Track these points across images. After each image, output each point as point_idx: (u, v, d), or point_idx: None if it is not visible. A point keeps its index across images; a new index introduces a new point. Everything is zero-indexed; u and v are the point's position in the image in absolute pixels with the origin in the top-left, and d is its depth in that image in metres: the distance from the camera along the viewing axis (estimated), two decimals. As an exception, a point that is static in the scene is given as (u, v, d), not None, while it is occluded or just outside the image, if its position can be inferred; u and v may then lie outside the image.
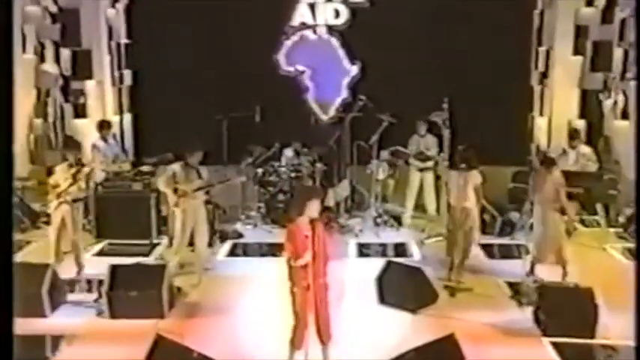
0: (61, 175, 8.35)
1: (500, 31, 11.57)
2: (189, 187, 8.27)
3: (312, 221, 5.71)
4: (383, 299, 7.74)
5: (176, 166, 8.38)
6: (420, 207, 11.11)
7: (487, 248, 9.54)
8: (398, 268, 7.95)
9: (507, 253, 9.51)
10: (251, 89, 11.79)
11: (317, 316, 5.83)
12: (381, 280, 7.87)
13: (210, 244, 9.64)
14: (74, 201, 8.37)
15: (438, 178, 10.59)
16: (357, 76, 12.31)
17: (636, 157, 8.81)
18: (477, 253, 8.97)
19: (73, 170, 8.34)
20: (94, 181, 9.48)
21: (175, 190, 8.27)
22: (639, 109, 10.22)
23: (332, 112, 12.43)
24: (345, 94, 12.38)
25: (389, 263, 8.04)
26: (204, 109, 11.71)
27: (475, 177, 8.32)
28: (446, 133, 10.17)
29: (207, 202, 9.83)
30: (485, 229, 9.71)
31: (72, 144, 8.86)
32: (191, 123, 11.81)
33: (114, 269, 7.54)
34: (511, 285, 8.21)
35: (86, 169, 8.55)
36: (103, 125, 10.65)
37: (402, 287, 7.61)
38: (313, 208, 5.73)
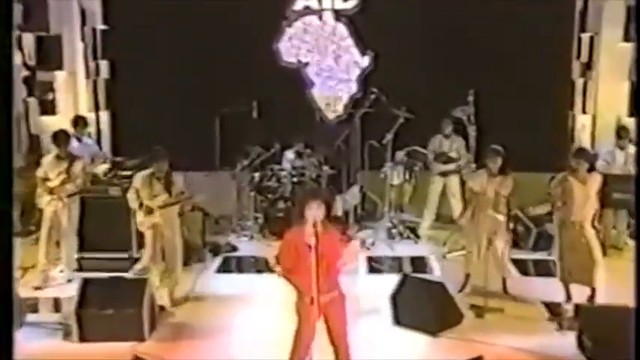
0: (50, 168, 8.81)
1: (537, 14, 11.53)
2: (153, 204, 8.27)
3: (316, 228, 5.68)
4: (398, 320, 7.72)
5: (139, 178, 8.39)
6: (441, 217, 11.08)
7: (520, 264, 9.55)
8: (416, 283, 7.92)
9: (544, 269, 9.49)
10: (247, 83, 11.83)
11: (330, 336, 5.87)
12: (395, 298, 7.83)
13: (201, 259, 9.81)
14: (69, 196, 8.76)
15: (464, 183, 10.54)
16: (369, 68, 12.29)
17: (637, 156, 8.73)
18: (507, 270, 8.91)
19: (66, 164, 8.73)
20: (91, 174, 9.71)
21: (141, 206, 8.34)
22: (638, 107, 10.14)
23: (340, 109, 12.43)
24: (354, 88, 12.38)
25: (405, 278, 8.01)
26: (193, 105, 11.76)
27: (509, 184, 8.43)
28: (471, 131, 10.15)
29: (199, 210, 9.92)
30: (517, 242, 9.72)
31: (62, 137, 9.01)
32: (178, 121, 11.87)
33: (85, 283, 7.54)
34: (548, 306, 8.22)
35: (80, 163, 8.91)
36: (78, 122, 10.70)
37: (421, 306, 7.58)
38: (315, 213, 5.70)
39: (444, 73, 11.77)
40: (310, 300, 5.70)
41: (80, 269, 9.24)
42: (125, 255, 9.54)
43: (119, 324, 7.27)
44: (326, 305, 5.77)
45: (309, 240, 5.64)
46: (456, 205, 10.84)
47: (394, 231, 10.67)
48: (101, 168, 10.47)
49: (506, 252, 8.63)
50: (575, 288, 8.16)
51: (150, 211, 8.26)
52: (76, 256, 9.33)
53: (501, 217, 8.36)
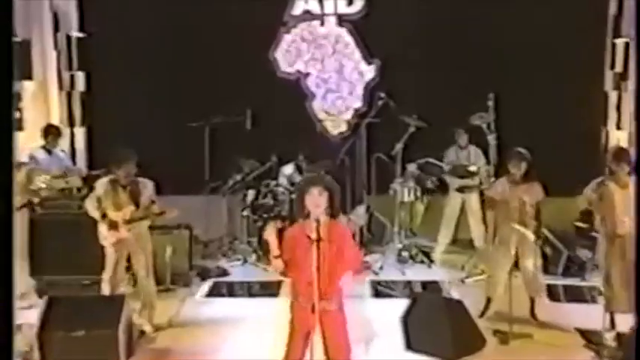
0: None
1: (564, 17, 11.52)
2: (118, 216, 8.00)
3: (318, 221, 5.54)
4: (410, 344, 7.55)
5: (100, 185, 8.12)
6: (458, 241, 11.04)
7: (549, 289, 9.35)
8: (430, 302, 7.82)
9: (576, 295, 9.50)
10: (241, 95, 11.82)
11: (326, 350, 5.71)
12: (407, 320, 7.66)
13: (187, 284, 9.75)
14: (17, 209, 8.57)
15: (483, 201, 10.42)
16: (376, 79, 12.24)
17: (636, 159, 8.62)
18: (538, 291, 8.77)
19: None
20: (38, 183, 9.42)
21: (104, 217, 8.05)
22: (638, 110, 10.05)
23: (343, 125, 12.36)
24: (359, 101, 12.33)
25: (417, 297, 7.95)
26: (179, 117, 11.66)
27: (536, 191, 8.34)
28: (491, 140, 10.05)
29: (186, 227, 9.86)
30: (546, 266, 9.56)
31: None
32: (163, 134, 11.81)
33: (51, 302, 7.36)
34: (583, 333, 8.10)
35: (22, 171, 8.76)
36: (50, 131, 10.57)
37: (436, 328, 7.39)
38: (316, 199, 5.61)
39: (460, 81, 11.69)
40: (311, 307, 5.52)
41: (44, 293, 9.00)
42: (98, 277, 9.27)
43: (90, 348, 7.07)
44: (325, 314, 5.60)
45: (310, 232, 5.47)
46: (476, 227, 10.71)
47: (405, 254, 10.60)
48: (73, 181, 10.30)
49: (537, 270, 8.49)
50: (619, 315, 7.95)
51: (114, 226, 8.00)
52: (31, 279, 9.26)
53: (529, 233, 8.18)
